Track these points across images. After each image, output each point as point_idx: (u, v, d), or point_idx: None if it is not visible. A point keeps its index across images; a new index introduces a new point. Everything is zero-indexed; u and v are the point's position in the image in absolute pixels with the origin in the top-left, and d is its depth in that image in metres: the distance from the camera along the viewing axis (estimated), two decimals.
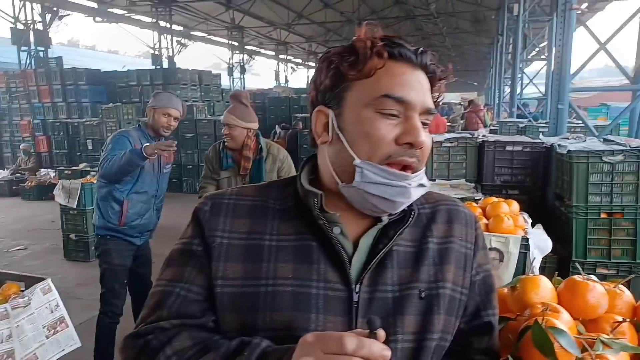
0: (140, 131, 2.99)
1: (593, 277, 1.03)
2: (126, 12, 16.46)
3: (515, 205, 2.50)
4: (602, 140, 3.66)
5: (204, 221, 0.87)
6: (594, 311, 1.00)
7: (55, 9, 12.08)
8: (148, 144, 2.81)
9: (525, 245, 2.15)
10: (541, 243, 2.48)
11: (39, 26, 11.78)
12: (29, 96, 11.47)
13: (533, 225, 2.59)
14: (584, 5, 13.30)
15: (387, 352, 0.64)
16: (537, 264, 2.29)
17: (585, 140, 3.57)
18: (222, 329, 0.83)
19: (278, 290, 0.80)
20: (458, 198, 3.14)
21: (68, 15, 13.09)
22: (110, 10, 15.69)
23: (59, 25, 12.40)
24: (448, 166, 3.82)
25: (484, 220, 2.29)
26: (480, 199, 2.83)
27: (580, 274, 1.04)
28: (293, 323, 0.78)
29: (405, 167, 0.80)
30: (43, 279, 1.97)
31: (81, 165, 7.02)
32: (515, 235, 2.14)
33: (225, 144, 2.88)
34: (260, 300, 0.80)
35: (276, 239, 0.85)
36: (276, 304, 0.80)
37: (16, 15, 11.58)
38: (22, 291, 1.98)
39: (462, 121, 13.46)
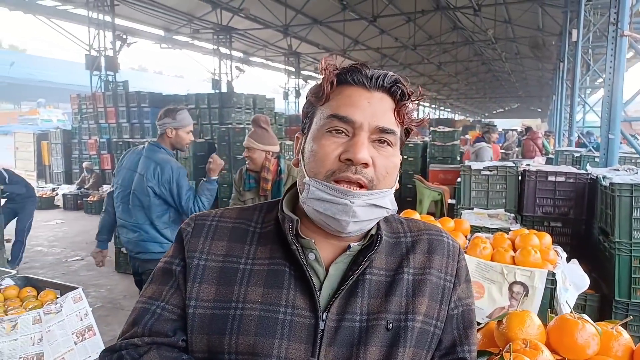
0: (165, 152, 3.02)
1: (585, 316, 0.98)
2: (190, 39, 17.43)
3: (547, 238, 2.39)
4: None
5: (185, 241, 0.91)
6: (582, 351, 0.95)
7: (124, 36, 12.98)
8: (214, 177, 3.00)
9: (552, 281, 2.04)
10: (577, 279, 2.34)
11: (110, 52, 12.69)
12: (97, 117, 12.31)
13: (569, 260, 2.46)
14: None
15: None
16: (570, 301, 2.16)
17: (637, 173, 3.36)
18: (191, 349, 0.85)
19: (246, 314, 0.82)
20: (493, 228, 3.06)
21: (135, 42, 14.03)
22: (175, 37, 16.66)
23: (127, 51, 13.28)
24: (487, 195, 3.71)
25: (511, 253, 2.21)
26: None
27: (627, 315, 0.99)
28: (256, 348, 0.80)
29: (361, 186, 0.81)
30: (75, 288, 2.10)
31: None
32: (541, 270, 2.04)
33: (247, 166, 2.97)
34: (228, 323, 0.82)
35: (251, 263, 0.87)
36: (243, 327, 0.81)
37: (90, 43, 12.58)
38: (57, 298, 2.13)
39: (517, 149, 13.01)
